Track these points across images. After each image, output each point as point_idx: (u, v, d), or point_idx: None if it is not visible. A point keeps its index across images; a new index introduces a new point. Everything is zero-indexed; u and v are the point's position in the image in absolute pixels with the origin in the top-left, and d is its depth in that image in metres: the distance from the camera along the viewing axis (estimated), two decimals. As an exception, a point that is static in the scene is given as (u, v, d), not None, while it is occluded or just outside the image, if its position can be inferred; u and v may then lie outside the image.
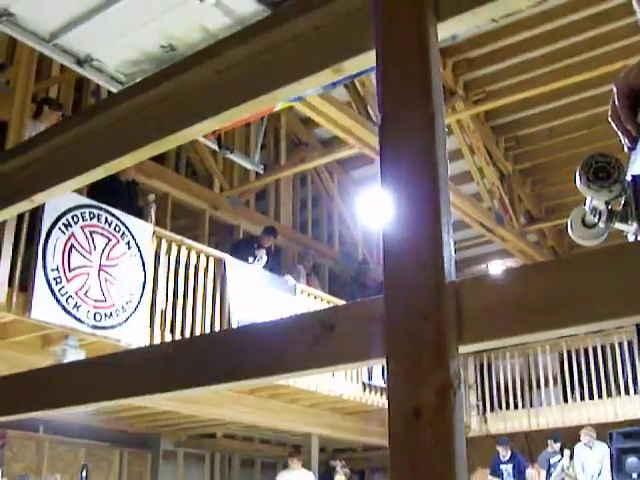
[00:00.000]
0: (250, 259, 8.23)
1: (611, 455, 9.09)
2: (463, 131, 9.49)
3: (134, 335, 6.12)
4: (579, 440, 9.28)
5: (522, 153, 10.85)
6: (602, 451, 9.10)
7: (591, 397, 9.93)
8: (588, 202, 1.13)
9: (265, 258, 8.37)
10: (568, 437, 9.34)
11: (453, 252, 0.88)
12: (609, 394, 9.76)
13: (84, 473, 8.62)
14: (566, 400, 10.20)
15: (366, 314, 0.93)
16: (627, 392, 9.55)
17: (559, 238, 11.39)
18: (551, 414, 10.23)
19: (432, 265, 0.85)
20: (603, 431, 9.31)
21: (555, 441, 9.32)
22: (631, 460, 8.89)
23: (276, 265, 8.70)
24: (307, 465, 9.01)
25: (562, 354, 10.46)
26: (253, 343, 1.06)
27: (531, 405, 10.44)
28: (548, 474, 9.28)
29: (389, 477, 0.82)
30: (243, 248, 8.45)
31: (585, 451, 9.19)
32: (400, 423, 0.82)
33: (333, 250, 11.46)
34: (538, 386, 10.51)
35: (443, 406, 0.80)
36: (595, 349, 10.08)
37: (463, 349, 0.85)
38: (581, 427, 9.40)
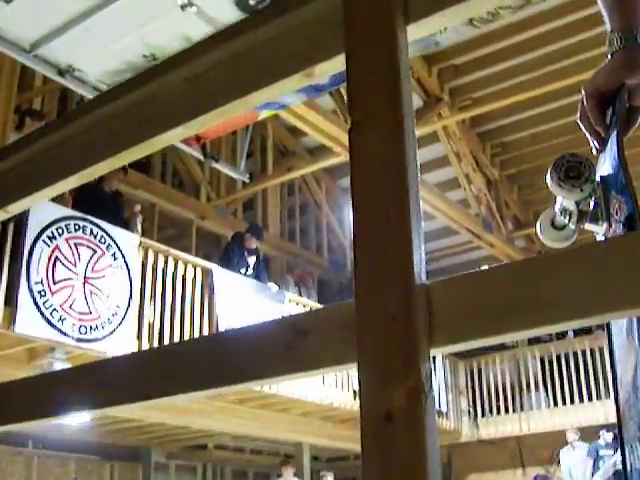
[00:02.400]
0: (242, 270, 8.19)
1: (601, 457, 9.08)
2: (449, 138, 9.53)
3: (121, 347, 6.07)
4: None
5: (508, 159, 10.91)
6: (584, 451, 9.09)
7: (581, 400, 9.96)
8: (558, 203, 1.14)
9: (252, 263, 8.33)
10: (559, 441, 9.35)
11: (424, 254, 0.88)
12: (599, 397, 9.79)
13: (75, 487, 8.56)
14: (556, 404, 10.22)
15: (338, 318, 0.92)
16: (616, 395, 9.54)
17: (547, 243, 11.42)
18: (542, 418, 10.24)
19: (402, 267, 0.85)
20: (594, 433, 9.33)
21: (608, 431, 8.91)
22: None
23: (262, 271, 8.65)
24: (299, 474, 8.97)
25: (551, 358, 10.49)
26: (227, 350, 1.05)
27: (522, 409, 10.46)
28: (595, 466, 9.03)
29: (362, 482, 0.81)
30: (235, 257, 8.38)
31: (570, 452, 9.19)
32: (372, 427, 0.81)
33: (322, 258, 11.46)
34: (528, 390, 10.53)
35: (414, 410, 0.79)
36: (584, 352, 10.11)
37: (435, 351, 0.84)
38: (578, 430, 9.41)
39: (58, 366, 5.90)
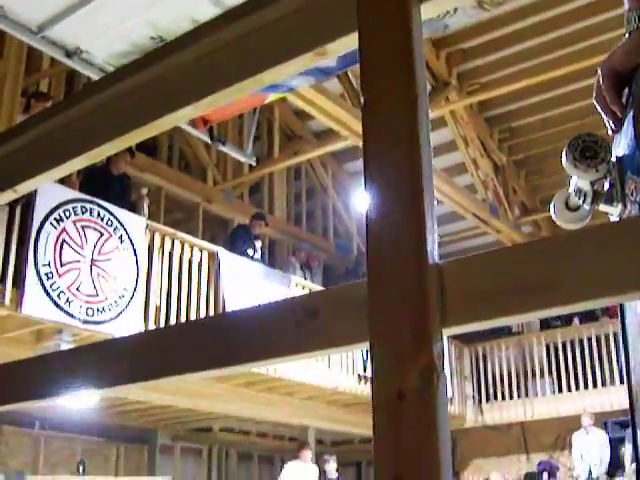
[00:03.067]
0: (250, 251, 8.23)
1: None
2: (457, 122, 9.47)
3: (127, 330, 6.09)
4: (575, 430, 9.31)
5: (516, 144, 10.85)
6: (599, 437, 9.12)
7: (586, 387, 9.96)
8: (573, 184, 1.12)
9: (259, 249, 8.38)
10: (564, 427, 9.37)
11: (436, 234, 0.87)
12: (604, 384, 9.79)
13: (81, 468, 8.62)
14: (561, 390, 10.23)
15: (350, 298, 0.92)
16: (622, 381, 9.56)
17: (554, 229, 11.40)
18: (546, 404, 10.25)
19: (414, 247, 0.84)
20: (599, 420, 9.34)
21: None
22: (627, 449, 8.92)
23: (268, 258, 8.70)
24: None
25: (557, 344, 10.48)
26: (236, 330, 1.04)
27: (526, 395, 10.47)
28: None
29: (374, 461, 0.81)
30: (241, 240, 8.43)
31: (583, 437, 9.21)
32: (384, 407, 0.81)
33: (328, 243, 11.45)
34: (533, 376, 10.53)
35: (426, 389, 0.79)
36: (590, 339, 10.10)
37: (447, 331, 0.84)
38: (576, 417, 9.42)
39: (65, 348, 5.93)
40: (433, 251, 0.85)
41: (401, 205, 0.88)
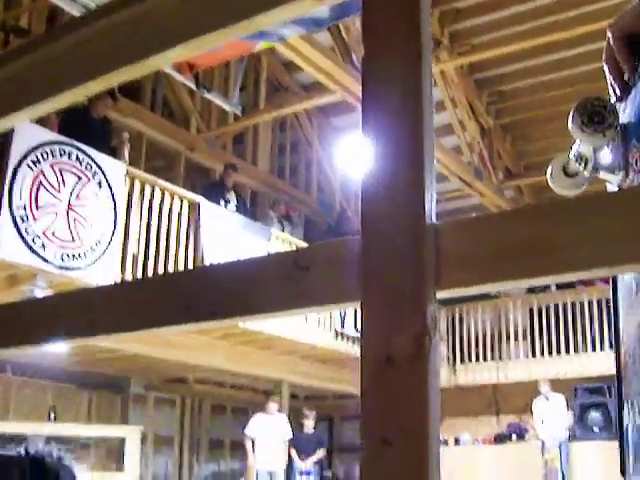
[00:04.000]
0: (222, 202, 8.17)
1: (575, 409, 9.33)
2: (446, 83, 9.37)
3: (104, 277, 6.02)
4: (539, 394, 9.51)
5: (504, 108, 10.79)
6: (559, 401, 9.33)
7: (559, 352, 10.12)
8: (575, 148, 1.09)
9: (234, 200, 8.32)
10: (535, 391, 9.54)
11: (434, 193, 0.83)
12: (576, 350, 9.96)
13: (52, 415, 8.62)
14: (534, 355, 10.39)
15: (342, 255, 0.88)
16: (594, 349, 9.76)
17: (536, 195, 11.44)
18: (519, 368, 10.42)
19: (412, 206, 0.81)
20: (570, 386, 9.52)
21: None
22: (594, 415, 9.14)
23: (245, 209, 8.64)
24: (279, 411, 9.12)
25: (532, 309, 10.61)
26: (225, 282, 1.01)
27: (500, 358, 10.63)
28: None
29: (360, 424, 0.78)
30: (214, 191, 8.36)
31: (543, 403, 9.42)
32: (373, 369, 0.78)
33: (310, 197, 11.39)
34: (508, 340, 10.68)
35: (418, 352, 0.77)
36: (565, 305, 10.23)
37: (441, 294, 0.81)
38: (550, 381, 9.59)
39: (39, 294, 5.84)
40: (430, 211, 0.82)
41: (400, 160, 0.84)
